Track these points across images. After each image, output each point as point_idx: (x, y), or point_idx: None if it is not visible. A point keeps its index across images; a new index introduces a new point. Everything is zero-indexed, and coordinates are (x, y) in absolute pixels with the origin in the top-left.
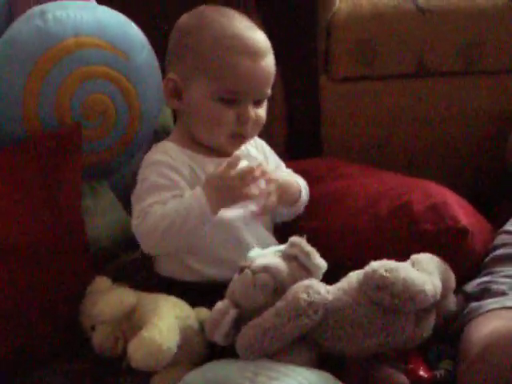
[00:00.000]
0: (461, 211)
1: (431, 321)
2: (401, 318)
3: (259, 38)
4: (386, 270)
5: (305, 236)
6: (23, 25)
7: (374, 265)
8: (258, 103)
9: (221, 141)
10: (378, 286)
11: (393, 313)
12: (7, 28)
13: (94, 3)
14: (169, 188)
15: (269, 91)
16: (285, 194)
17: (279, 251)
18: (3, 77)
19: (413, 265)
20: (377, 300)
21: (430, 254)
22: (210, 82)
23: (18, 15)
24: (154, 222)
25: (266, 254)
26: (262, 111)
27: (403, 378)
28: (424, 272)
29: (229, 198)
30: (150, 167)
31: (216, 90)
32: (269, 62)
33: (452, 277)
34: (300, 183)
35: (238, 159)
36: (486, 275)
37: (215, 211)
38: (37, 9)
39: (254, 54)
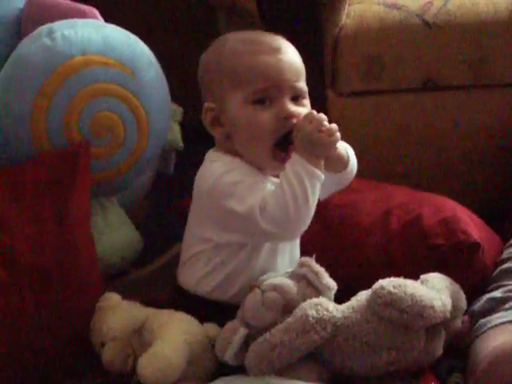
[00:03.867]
0: (472, 225)
1: (442, 340)
2: (410, 335)
3: (275, 38)
4: (393, 287)
5: (314, 256)
6: (32, 43)
7: (382, 282)
8: (296, 100)
9: (268, 152)
10: (386, 302)
11: (402, 330)
12: (16, 46)
13: (102, 22)
14: (260, 181)
15: (302, 86)
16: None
17: (289, 272)
18: (12, 95)
19: (422, 283)
20: (386, 316)
21: (442, 268)
22: (239, 90)
23: (27, 34)
24: (279, 205)
25: (277, 275)
26: (305, 110)
27: None
28: (433, 290)
29: (322, 152)
30: (227, 174)
31: (246, 94)
32: (290, 56)
33: (463, 297)
34: (349, 152)
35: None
36: (493, 289)
37: (318, 167)
38: (45, 27)
39: (272, 50)
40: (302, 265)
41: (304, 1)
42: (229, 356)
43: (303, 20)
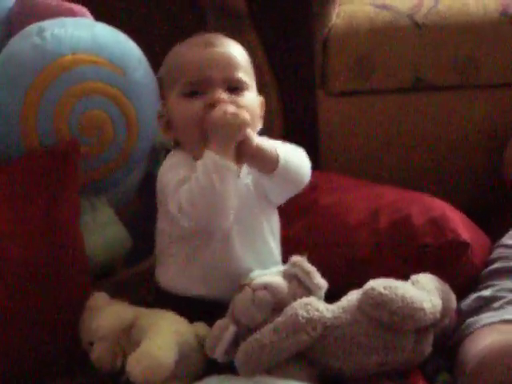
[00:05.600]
0: (460, 225)
1: (430, 340)
2: (400, 337)
3: (214, 36)
4: (384, 288)
5: (305, 255)
6: (21, 42)
7: (373, 283)
8: (234, 92)
9: (202, 143)
10: (376, 303)
11: (392, 331)
12: (6, 45)
13: (92, 21)
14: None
15: (239, 77)
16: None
17: (280, 271)
18: (2, 93)
19: (412, 284)
20: (376, 318)
21: (431, 267)
22: (173, 88)
23: (17, 33)
24: (189, 198)
25: (267, 274)
26: (242, 99)
27: None
28: (423, 291)
29: (228, 135)
30: (169, 171)
31: (178, 89)
32: (224, 49)
33: (453, 298)
34: (283, 152)
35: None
36: (482, 289)
37: (226, 155)
38: (35, 26)
39: (203, 45)
40: (293, 264)
41: (294, 1)
42: (218, 353)
43: (293, 20)
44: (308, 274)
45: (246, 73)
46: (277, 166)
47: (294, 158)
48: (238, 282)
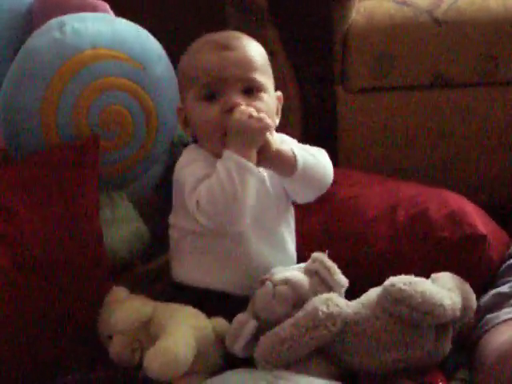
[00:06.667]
0: (478, 219)
1: (450, 338)
2: (420, 333)
3: (229, 35)
4: (404, 284)
5: (327, 252)
6: (42, 37)
7: (393, 279)
8: (249, 93)
9: (221, 146)
10: (396, 299)
11: (412, 327)
12: (26, 40)
13: (113, 16)
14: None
15: (255, 78)
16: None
17: (301, 267)
18: (22, 88)
19: (432, 282)
20: (396, 313)
21: (449, 261)
22: (190, 89)
23: (38, 27)
24: (209, 199)
25: (289, 269)
26: (259, 103)
27: None
28: (444, 288)
29: (251, 139)
30: (186, 168)
31: (195, 92)
32: (239, 51)
33: (473, 297)
34: (301, 155)
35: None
36: (500, 285)
37: (248, 157)
38: (55, 21)
39: (218, 47)
40: (314, 260)
41: None
42: (238, 348)
43: (313, 16)
44: (329, 270)
45: (262, 73)
46: (295, 169)
47: (314, 160)
48: (257, 277)
